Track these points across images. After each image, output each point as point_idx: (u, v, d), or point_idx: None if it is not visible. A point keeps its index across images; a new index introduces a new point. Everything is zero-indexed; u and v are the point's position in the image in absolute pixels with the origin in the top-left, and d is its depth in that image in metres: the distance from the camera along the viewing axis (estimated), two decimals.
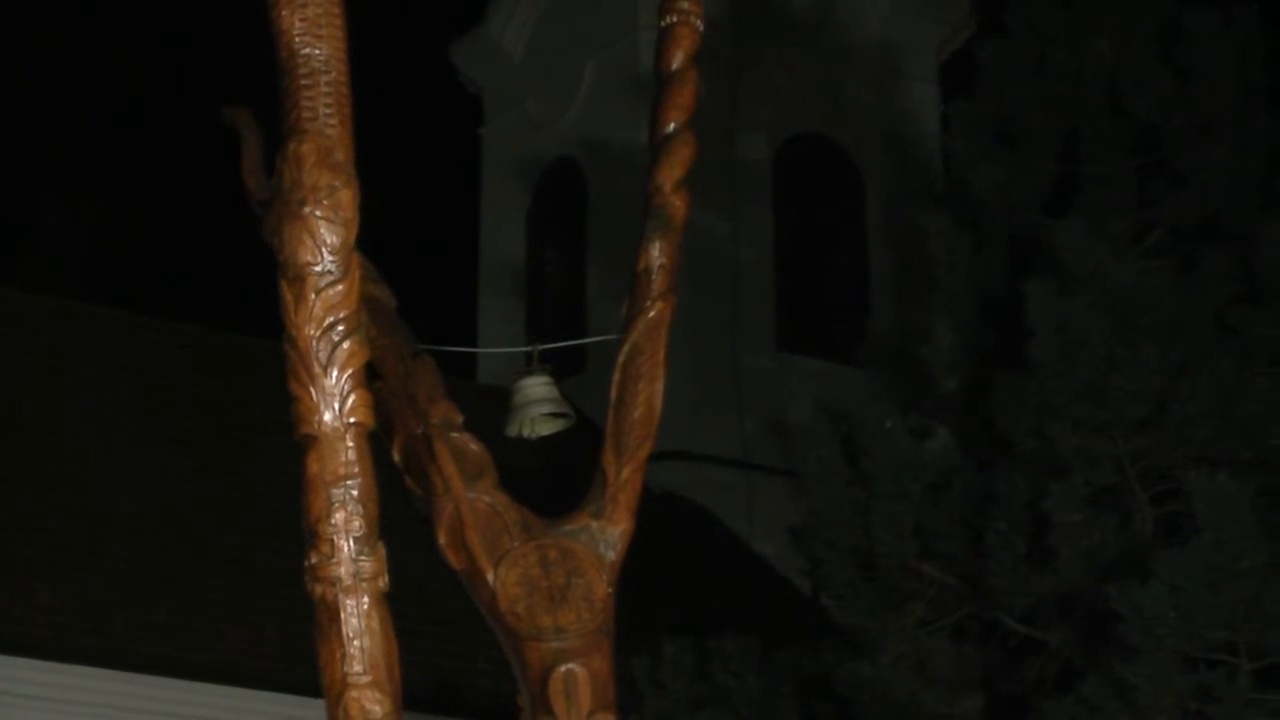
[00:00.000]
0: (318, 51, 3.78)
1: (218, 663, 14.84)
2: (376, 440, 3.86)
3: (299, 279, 3.76)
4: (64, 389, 17.07)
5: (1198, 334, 11.63)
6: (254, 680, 14.52)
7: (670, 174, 4.39)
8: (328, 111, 3.78)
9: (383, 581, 3.80)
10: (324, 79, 3.78)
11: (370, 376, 3.86)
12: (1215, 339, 11.70)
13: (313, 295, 3.75)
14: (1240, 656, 10.79)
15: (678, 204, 4.38)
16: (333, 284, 3.76)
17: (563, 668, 4.05)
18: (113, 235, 26.13)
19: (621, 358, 4.31)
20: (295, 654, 13.27)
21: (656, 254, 4.33)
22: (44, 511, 15.65)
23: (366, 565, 3.78)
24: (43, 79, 28.28)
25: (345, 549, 3.77)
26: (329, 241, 3.76)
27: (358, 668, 3.77)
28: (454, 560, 4.17)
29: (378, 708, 3.77)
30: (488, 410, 13.37)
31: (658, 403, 4.28)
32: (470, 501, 4.17)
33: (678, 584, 15.67)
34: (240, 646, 14.84)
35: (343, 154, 3.78)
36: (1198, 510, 10.77)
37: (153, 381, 17.50)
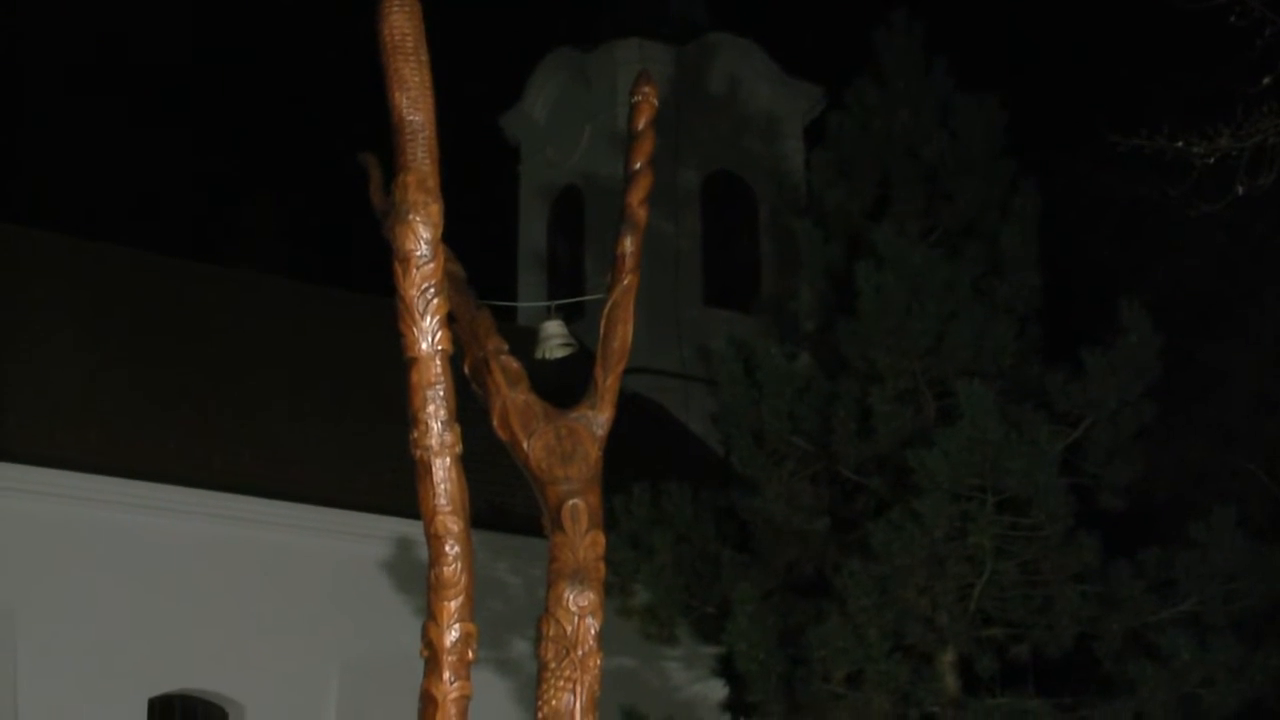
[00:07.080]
0: (416, 118, 3.73)
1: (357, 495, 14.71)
2: (454, 361, 3.83)
3: (406, 259, 3.70)
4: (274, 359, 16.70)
5: (961, 295, 11.64)
6: (379, 508, 14.43)
7: (637, 195, 4.34)
8: (423, 155, 3.73)
9: (459, 448, 3.77)
10: (420, 135, 3.73)
11: (449, 320, 3.82)
12: (972, 298, 11.71)
13: (414, 270, 3.70)
14: (987, 494, 10.84)
15: (641, 214, 4.33)
16: (426, 263, 3.71)
17: (570, 501, 4.02)
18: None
19: (606, 309, 4.26)
20: (407, 492, 13.04)
21: (628, 245, 4.28)
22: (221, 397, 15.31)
23: (448, 438, 3.73)
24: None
25: (434, 428, 3.72)
26: (424, 236, 3.70)
27: (443, 501, 3.73)
28: (502, 435, 4.13)
29: (455, 526, 3.75)
30: (523, 342, 13.30)
31: (628, 337, 4.23)
32: (512, 399, 4.13)
33: (641, 450, 15.66)
34: (367, 486, 14.72)
35: (432, 182, 3.73)
36: (961, 404, 10.80)
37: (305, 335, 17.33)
